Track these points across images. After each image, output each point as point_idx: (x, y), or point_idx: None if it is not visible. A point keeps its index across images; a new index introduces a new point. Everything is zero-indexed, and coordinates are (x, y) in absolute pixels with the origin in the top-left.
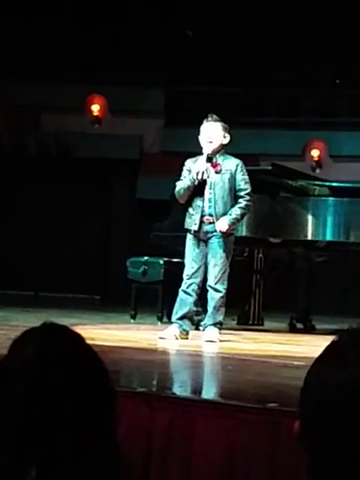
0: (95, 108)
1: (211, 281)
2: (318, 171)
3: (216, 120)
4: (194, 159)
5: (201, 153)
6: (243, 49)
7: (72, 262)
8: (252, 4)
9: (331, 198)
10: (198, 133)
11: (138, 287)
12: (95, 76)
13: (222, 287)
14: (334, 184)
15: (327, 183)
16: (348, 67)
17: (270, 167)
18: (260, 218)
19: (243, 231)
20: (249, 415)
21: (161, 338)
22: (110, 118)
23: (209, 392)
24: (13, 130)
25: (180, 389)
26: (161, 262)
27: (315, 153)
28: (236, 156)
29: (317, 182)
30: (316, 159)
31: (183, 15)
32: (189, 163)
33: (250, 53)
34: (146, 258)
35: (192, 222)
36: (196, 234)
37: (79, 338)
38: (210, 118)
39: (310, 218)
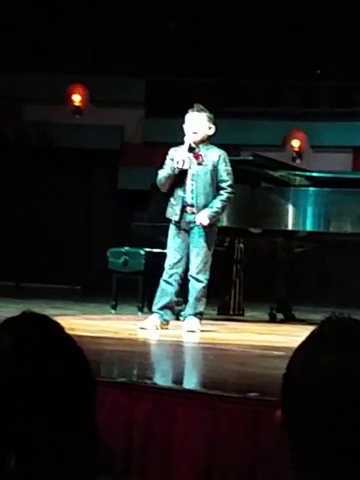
0: (76, 98)
1: (193, 271)
2: (298, 161)
3: (201, 110)
4: (177, 148)
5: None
6: (224, 39)
7: (53, 252)
8: None
9: (311, 188)
10: (180, 123)
11: (119, 277)
12: (76, 66)
13: (204, 277)
14: (314, 174)
15: (307, 173)
16: (328, 58)
17: (251, 157)
18: (241, 208)
19: (224, 221)
20: (229, 405)
21: (141, 328)
22: (91, 108)
23: (189, 382)
24: None
25: (160, 379)
26: (142, 252)
27: (296, 143)
28: (217, 146)
29: (298, 172)
30: (296, 149)
31: (165, 5)
32: (172, 152)
33: (231, 43)
34: (127, 248)
35: (173, 212)
36: (177, 224)
37: (58, 327)
38: (196, 108)
39: (291, 208)
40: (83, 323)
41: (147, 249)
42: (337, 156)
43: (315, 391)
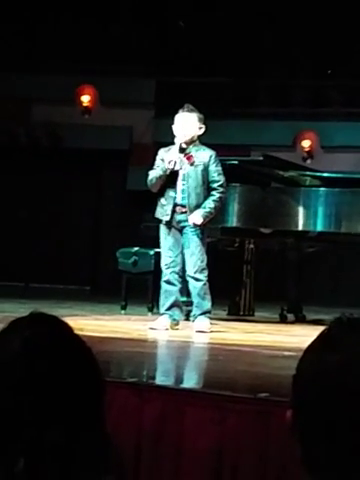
0: (85, 99)
1: (190, 271)
2: (309, 162)
3: (191, 110)
4: (167, 148)
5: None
6: (234, 40)
7: (62, 253)
8: None
9: (322, 188)
10: None
11: (128, 278)
12: (85, 67)
13: (202, 275)
14: (325, 175)
15: (318, 174)
16: (339, 57)
17: (261, 158)
18: (251, 209)
19: (234, 222)
20: (240, 405)
21: (151, 329)
22: (100, 109)
23: (199, 382)
24: (3, 121)
25: (170, 379)
26: (151, 253)
27: (306, 144)
28: (227, 147)
29: (308, 173)
30: (307, 150)
31: (174, 5)
32: (162, 152)
33: (241, 44)
34: (136, 249)
35: (164, 212)
36: (168, 223)
37: (67, 328)
38: (186, 108)
39: (301, 209)
40: (93, 323)
41: (156, 249)
42: (348, 156)
43: (324, 391)
